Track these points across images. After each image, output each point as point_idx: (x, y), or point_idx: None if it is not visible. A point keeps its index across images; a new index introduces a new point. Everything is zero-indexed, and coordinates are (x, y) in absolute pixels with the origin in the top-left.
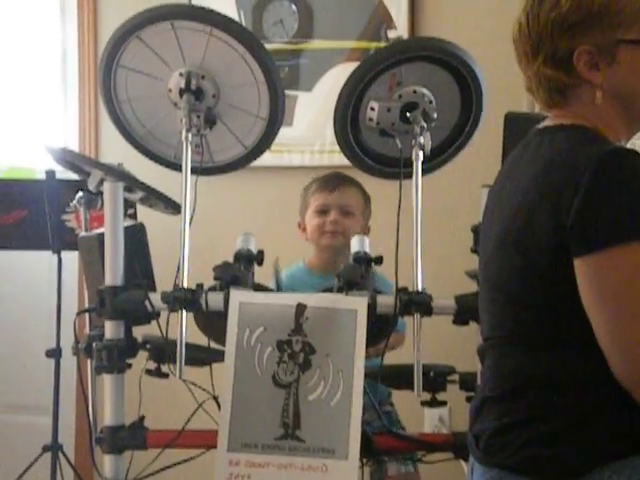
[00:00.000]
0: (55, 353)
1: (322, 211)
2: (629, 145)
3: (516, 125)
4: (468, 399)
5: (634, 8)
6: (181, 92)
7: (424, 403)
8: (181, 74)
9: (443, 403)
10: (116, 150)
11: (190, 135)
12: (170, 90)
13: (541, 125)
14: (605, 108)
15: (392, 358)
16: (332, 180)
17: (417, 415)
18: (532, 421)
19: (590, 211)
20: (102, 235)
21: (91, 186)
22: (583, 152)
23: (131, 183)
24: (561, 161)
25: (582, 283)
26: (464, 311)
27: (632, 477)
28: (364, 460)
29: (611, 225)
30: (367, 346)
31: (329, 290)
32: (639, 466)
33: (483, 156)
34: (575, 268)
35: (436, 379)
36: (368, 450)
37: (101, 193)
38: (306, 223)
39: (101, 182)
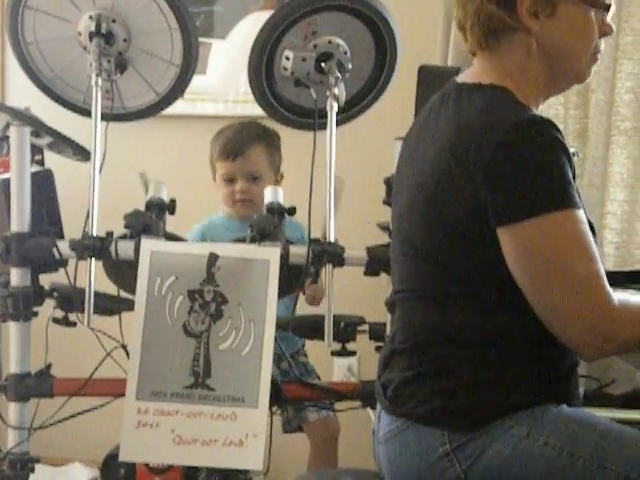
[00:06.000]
0: None
1: (229, 179)
2: None
3: (429, 78)
4: (377, 349)
5: None
6: (91, 35)
7: (334, 353)
8: (91, 17)
9: (352, 353)
10: (23, 94)
11: (100, 80)
12: (80, 33)
13: (460, 79)
14: (533, 61)
15: (304, 308)
16: (234, 145)
17: (327, 364)
18: (438, 373)
19: (510, 181)
20: (8, 181)
21: None
22: (499, 118)
23: (38, 127)
24: (476, 127)
25: (507, 253)
26: (375, 262)
27: (532, 425)
28: (273, 409)
29: (532, 195)
30: (280, 296)
31: (242, 240)
32: (538, 416)
33: (396, 108)
34: (499, 237)
35: (346, 329)
36: (277, 398)
37: (7, 138)
38: (217, 183)
39: (7, 126)
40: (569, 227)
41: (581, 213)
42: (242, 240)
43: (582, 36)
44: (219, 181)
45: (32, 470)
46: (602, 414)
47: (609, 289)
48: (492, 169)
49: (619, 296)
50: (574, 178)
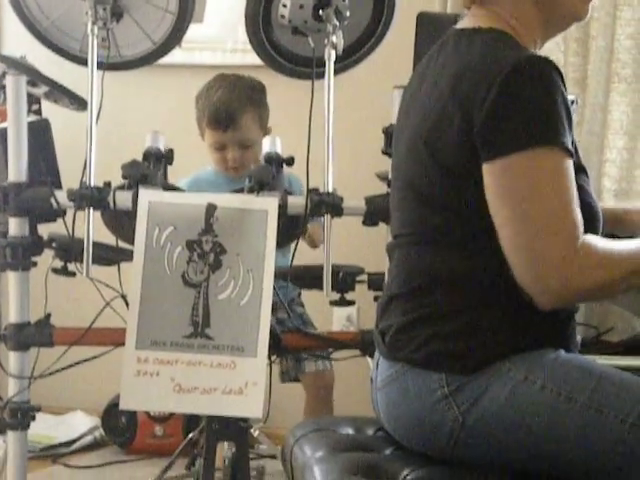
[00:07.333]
0: None
1: (219, 147)
2: None
3: (428, 25)
4: (376, 298)
5: None
6: None
7: (333, 303)
8: None
9: (351, 303)
10: (19, 42)
11: (96, 28)
12: None
13: (459, 26)
14: (523, 6)
15: (302, 258)
16: (224, 114)
17: (326, 314)
18: (436, 317)
19: (498, 116)
20: (5, 130)
21: None
22: (498, 57)
23: (34, 76)
24: (476, 65)
25: (488, 189)
26: (374, 212)
27: (529, 369)
28: (272, 358)
29: (517, 131)
30: (278, 246)
31: (240, 191)
32: (536, 360)
33: (395, 56)
34: (483, 173)
35: (345, 279)
36: (276, 348)
37: (3, 87)
38: (206, 145)
39: (3, 75)
40: (551, 165)
41: (567, 153)
42: (240, 191)
43: None
44: (209, 146)
45: (33, 418)
46: (601, 361)
47: (578, 234)
48: (487, 107)
49: (601, 243)
50: (571, 124)
